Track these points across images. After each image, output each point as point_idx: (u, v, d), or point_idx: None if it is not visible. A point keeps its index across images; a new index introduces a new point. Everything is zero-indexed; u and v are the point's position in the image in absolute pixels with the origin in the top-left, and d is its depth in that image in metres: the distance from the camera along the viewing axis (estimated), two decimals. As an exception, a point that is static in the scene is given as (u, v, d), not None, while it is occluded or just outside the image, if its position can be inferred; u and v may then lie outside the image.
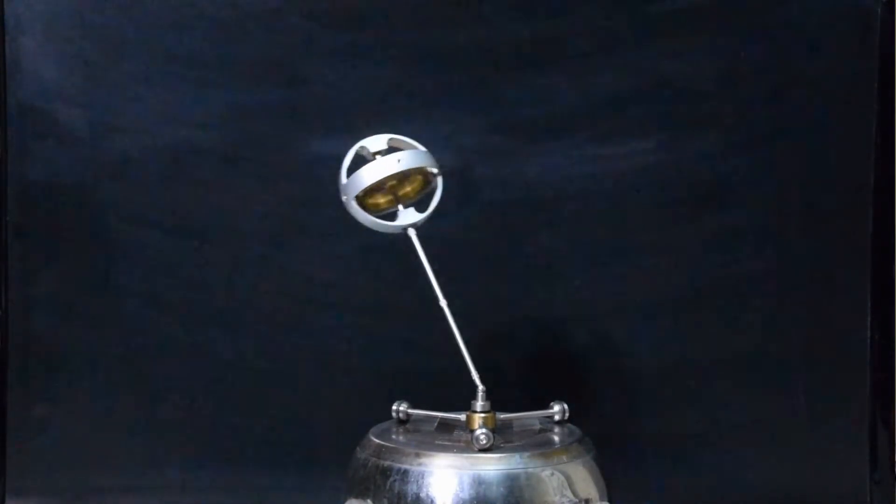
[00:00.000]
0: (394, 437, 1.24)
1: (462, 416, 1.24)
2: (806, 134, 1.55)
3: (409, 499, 1.17)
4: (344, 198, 1.26)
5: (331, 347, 1.57)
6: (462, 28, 1.54)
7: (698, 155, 1.55)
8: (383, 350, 1.57)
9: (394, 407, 1.29)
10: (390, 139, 1.28)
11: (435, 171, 1.28)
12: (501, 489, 1.16)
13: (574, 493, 1.19)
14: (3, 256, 1.54)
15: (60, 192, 1.54)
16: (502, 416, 1.24)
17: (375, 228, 1.27)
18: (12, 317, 1.55)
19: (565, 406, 1.29)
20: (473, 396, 1.24)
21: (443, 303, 1.28)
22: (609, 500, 1.22)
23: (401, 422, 1.29)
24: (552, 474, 1.18)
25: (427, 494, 1.17)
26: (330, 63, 1.54)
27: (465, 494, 1.16)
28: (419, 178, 1.29)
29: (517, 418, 1.28)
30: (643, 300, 1.56)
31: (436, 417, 1.28)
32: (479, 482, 1.16)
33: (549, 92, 1.54)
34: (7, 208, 1.54)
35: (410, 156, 1.26)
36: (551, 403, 1.29)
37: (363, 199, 1.26)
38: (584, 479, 1.20)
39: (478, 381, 1.24)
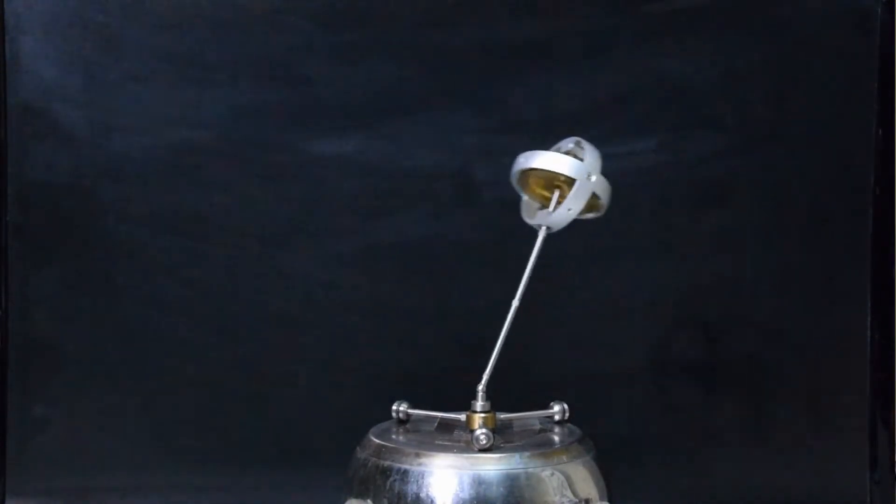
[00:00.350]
0: (394, 437, 1.24)
1: (462, 416, 1.24)
2: (806, 134, 1.55)
3: (409, 499, 1.17)
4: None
5: (331, 347, 1.57)
6: (462, 28, 1.54)
7: (698, 155, 1.55)
8: (383, 350, 1.57)
9: (394, 407, 1.29)
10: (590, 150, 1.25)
11: (603, 205, 1.26)
12: (501, 489, 1.16)
13: (574, 493, 1.19)
14: (3, 256, 1.54)
15: (60, 192, 1.54)
16: (502, 416, 1.24)
17: (523, 209, 1.27)
18: (12, 317, 1.55)
19: (565, 406, 1.29)
20: (473, 396, 1.24)
21: (515, 302, 1.27)
22: (609, 500, 1.22)
23: (401, 422, 1.29)
24: (552, 474, 1.18)
25: (427, 494, 1.17)
26: (330, 63, 1.54)
27: (465, 494, 1.16)
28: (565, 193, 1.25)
29: (517, 418, 1.28)
30: (643, 300, 1.56)
31: (436, 417, 1.28)
32: (479, 482, 1.16)
33: (549, 92, 1.54)
34: (7, 208, 1.54)
35: (602, 182, 1.24)
36: (551, 403, 1.29)
37: (531, 177, 1.24)
38: (584, 479, 1.20)
39: (480, 383, 1.24)
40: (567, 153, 1.25)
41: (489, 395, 1.24)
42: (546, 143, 1.55)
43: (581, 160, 1.24)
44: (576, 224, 1.56)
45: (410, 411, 1.29)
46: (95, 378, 1.56)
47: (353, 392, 1.56)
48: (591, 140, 1.55)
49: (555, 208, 1.26)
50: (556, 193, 1.26)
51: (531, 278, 1.26)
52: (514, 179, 1.26)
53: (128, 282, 1.55)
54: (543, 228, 1.27)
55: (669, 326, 1.57)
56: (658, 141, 1.55)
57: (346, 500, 1.21)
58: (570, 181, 1.23)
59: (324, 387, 1.57)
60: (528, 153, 1.25)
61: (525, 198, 1.28)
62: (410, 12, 1.53)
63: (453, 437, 1.24)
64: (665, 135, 1.55)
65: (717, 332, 1.57)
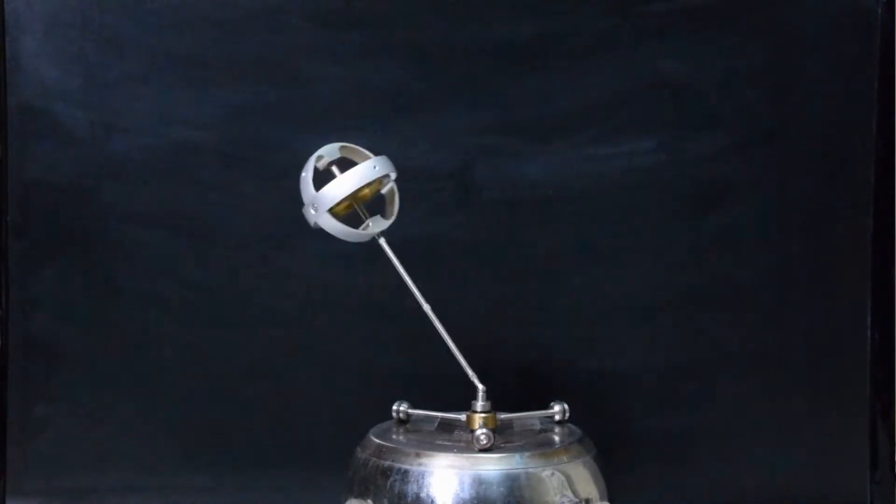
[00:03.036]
0: (394, 437, 1.24)
1: (462, 416, 1.25)
2: (806, 134, 1.55)
3: (410, 499, 1.17)
4: (313, 212, 1.26)
5: (331, 347, 1.57)
6: (462, 28, 1.54)
7: (698, 155, 1.55)
8: (383, 350, 1.57)
9: (394, 407, 1.29)
10: (342, 147, 1.29)
11: (394, 175, 1.29)
12: (501, 489, 1.16)
13: (574, 493, 1.19)
14: (3, 256, 1.54)
15: (60, 192, 1.54)
16: (502, 416, 1.24)
17: (347, 238, 1.28)
18: (12, 317, 1.55)
19: (565, 406, 1.29)
20: (474, 396, 1.24)
21: (426, 307, 1.28)
22: (609, 500, 1.22)
23: (401, 422, 1.29)
24: (552, 474, 1.18)
25: (427, 494, 1.17)
26: (330, 63, 1.54)
27: (466, 494, 1.16)
28: (377, 181, 1.29)
29: (517, 418, 1.28)
30: (643, 300, 1.56)
31: (436, 417, 1.28)
32: (479, 482, 1.16)
33: (549, 92, 1.54)
34: (7, 208, 1.54)
35: (383, 161, 1.27)
36: (551, 403, 1.29)
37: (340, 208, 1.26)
38: (584, 479, 1.20)
39: (476, 382, 1.24)
40: (329, 167, 1.28)
41: (489, 395, 1.24)
42: (546, 143, 1.56)
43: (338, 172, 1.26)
44: (576, 224, 1.56)
45: (411, 411, 1.29)
46: (95, 378, 1.56)
47: (353, 392, 1.56)
48: (591, 140, 1.56)
49: (357, 207, 1.28)
50: (355, 207, 1.28)
51: (412, 279, 1.28)
52: (329, 226, 1.27)
53: (128, 282, 1.55)
54: (381, 239, 1.29)
55: (669, 326, 1.57)
56: (658, 141, 1.55)
57: (346, 500, 1.21)
58: (361, 189, 1.26)
59: (324, 387, 1.57)
60: (326, 191, 1.25)
61: (345, 228, 1.27)
62: (410, 12, 1.53)
63: (453, 437, 1.24)
64: (665, 135, 1.55)
65: (716, 332, 1.57)
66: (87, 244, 1.55)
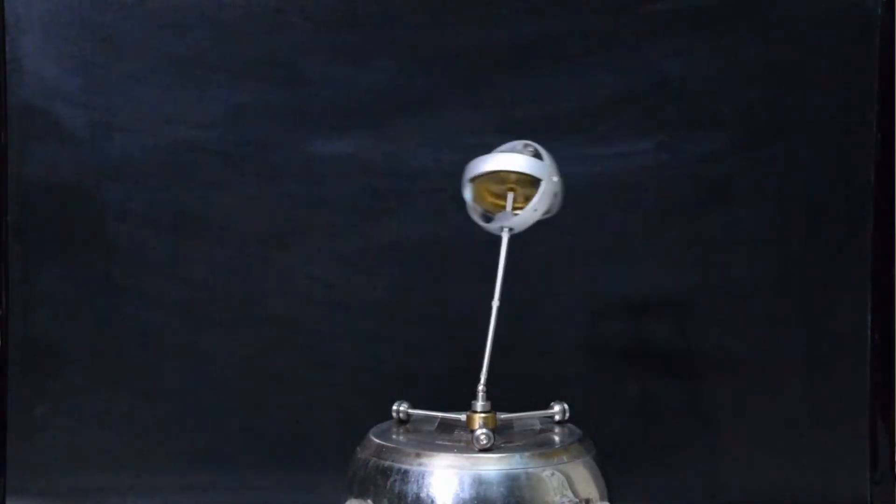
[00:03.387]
0: (394, 437, 1.24)
1: (462, 416, 1.24)
2: (806, 134, 1.55)
3: (410, 499, 1.17)
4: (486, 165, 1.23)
5: (331, 347, 1.57)
6: (462, 28, 1.54)
7: (698, 155, 1.55)
8: (383, 350, 1.57)
9: (394, 407, 1.29)
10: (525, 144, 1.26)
11: (556, 178, 1.25)
12: (502, 489, 1.16)
13: (574, 493, 1.19)
14: (3, 256, 1.54)
15: (60, 192, 1.54)
16: (502, 416, 1.24)
17: (474, 219, 1.27)
18: (12, 317, 1.55)
19: (565, 406, 1.29)
20: (473, 396, 1.24)
21: (495, 304, 1.28)
22: (609, 500, 1.22)
23: (401, 422, 1.29)
24: (552, 474, 1.18)
25: (427, 494, 1.17)
26: (330, 63, 1.54)
27: (466, 494, 1.16)
28: (527, 197, 1.26)
29: (517, 418, 1.28)
30: (643, 300, 1.56)
31: (436, 417, 1.28)
32: (479, 482, 1.16)
33: (549, 92, 1.54)
34: (7, 208, 1.54)
35: (560, 182, 1.24)
36: (551, 403, 1.29)
37: (484, 181, 1.24)
38: (584, 479, 1.20)
39: (480, 385, 1.24)
40: (524, 155, 1.24)
41: (489, 395, 1.24)
42: (546, 143, 1.56)
43: (542, 160, 1.23)
44: (576, 223, 1.56)
45: (410, 411, 1.29)
46: (95, 378, 1.56)
47: (353, 392, 1.56)
48: (591, 140, 1.56)
49: (514, 209, 1.25)
50: (511, 195, 1.26)
51: (505, 280, 1.26)
52: (465, 186, 1.25)
53: (128, 282, 1.55)
54: (506, 230, 1.27)
55: (670, 326, 1.57)
56: (658, 141, 1.55)
57: (346, 500, 1.21)
58: (526, 180, 1.23)
59: (324, 387, 1.57)
60: (481, 158, 1.24)
61: (472, 204, 1.27)
62: (410, 12, 1.53)
63: (453, 437, 1.24)
64: (665, 135, 1.55)
65: (716, 333, 1.57)
66: (87, 244, 1.55)
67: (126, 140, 1.54)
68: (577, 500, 1.18)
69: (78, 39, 1.53)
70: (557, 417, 1.28)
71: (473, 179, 1.25)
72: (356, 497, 1.20)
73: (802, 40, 1.54)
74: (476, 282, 1.56)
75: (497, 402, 1.24)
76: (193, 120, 1.54)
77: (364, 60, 1.54)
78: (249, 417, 1.57)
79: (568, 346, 1.57)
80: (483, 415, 1.23)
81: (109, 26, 1.53)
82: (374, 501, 1.19)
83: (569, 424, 1.28)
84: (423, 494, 1.17)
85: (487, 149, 1.55)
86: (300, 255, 1.56)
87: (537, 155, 1.24)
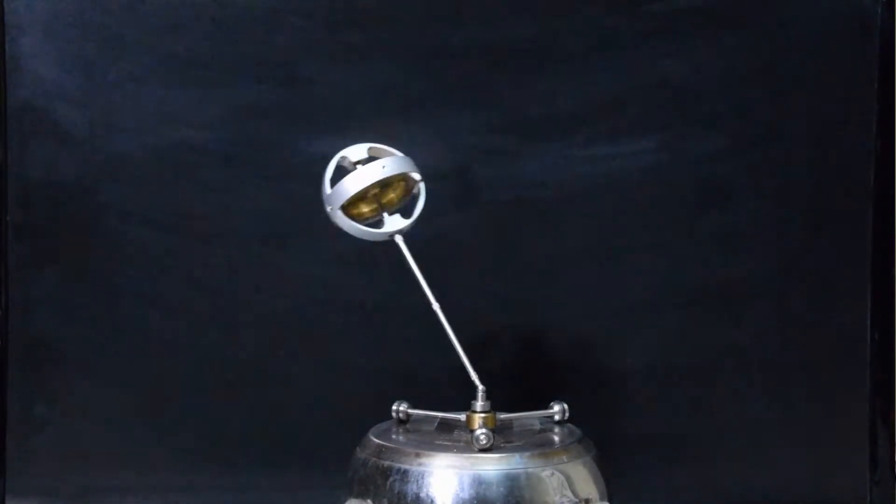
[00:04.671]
0: (394, 437, 1.24)
1: (462, 416, 1.24)
2: (806, 134, 1.55)
3: (409, 499, 1.17)
4: (329, 208, 1.27)
5: (331, 347, 1.57)
6: (462, 28, 1.54)
7: (698, 155, 1.55)
8: (383, 350, 1.57)
9: (394, 407, 1.29)
10: (370, 148, 1.29)
11: (417, 177, 1.29)
12: (501, 489, 1.16)
13: (574, 493, 1.19)
14: (3, 256, 1.54)
15: (60, 192, 1.54)
16: (502, 416, 1.24)
17: (362, 237, 1.28)
18: (12, 317, 1.55)
19: (565, 406, 1.29)
20: (473, 396, 1.24)
21: (435, 306, 1.28)
22: (609, 500, 1.22)
23: (401, 422, 1.29)
24: (552, 474, 1.18)
25: (427, 494, 1.17)
26: (330, 63, 1.54)
27: (465, 494, 1.16)
28: (402, 184, 1.30)
29: (517, 418, 1.28)
30: (643, 300, 1.56)
31: (436, 417, 1.28)
32: (479, 482, 1.16)
33: (549, 92, 1.54)
34: (7, 208, 1.54)
35: (393, 162, 1.27)
36: (551, 403, 1.29)
37: (348, 208, 1.27)
38: (584, 479, 1.20)
39: (477, 382, 1.24)
40: (355, 167, 1.27)
41: (489, 394, 1.24)
42: (546, 143, 1.56)
43: (369, 162, 1.26)
44: (575, 224, 1.56)
45: (410, 411, 1.29)
46: (95, 378, 1.56)
47: (353, 392, 1.56)
48: (591, 140, 1.56)
49: (388, 213, 1.28)
50: (375, 204, 1.29)
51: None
52: (337, 216, 1.26)
53: (128, 282, 1.55)
54: (398, 236, 1.28)
55: (669, 326, 1.57)
56: (658, 141, 1.55)
57: (346, 500, 1.21)
58: (382, 183, 1.26)
59: (324, 387, 1.57)
60: (336, 189, 1.25)
61: (358, 226, 1.27)
62: (410, 12, 1.53)
63: (453, 437, 1.24)
64: (665, 135, 1.55)
65: (716, 332, 1.57)
66: (87, 244, 1.55)
67: (126, 140, 1.54)
68: (577, 500, 1.18)
69: (78, 39, 1.53)
70: (557, 417, 1.28)
71: (344, 207, 1.26)
72: (356, 497, 1.20)
73: (802, 40, 1.54)
74: (476, 282, 1.57)
75: (497, 402, 1.24)
76: (193, 120, 1.54)
77: (364, 60, 1.54)
78: (249, 417, 1.57)
79: (568, 346, 1.57)
80: (483, 415, 1.23)
81: (109, 26, 1.53)
82: (373, 501, 1.19)
83: (569, 424, 1.28)
84: (422, 494, 1.17)
85: (487, 149, 1.55)
86: (300, 255, 1.56)
87: (368, 160, 1.27)
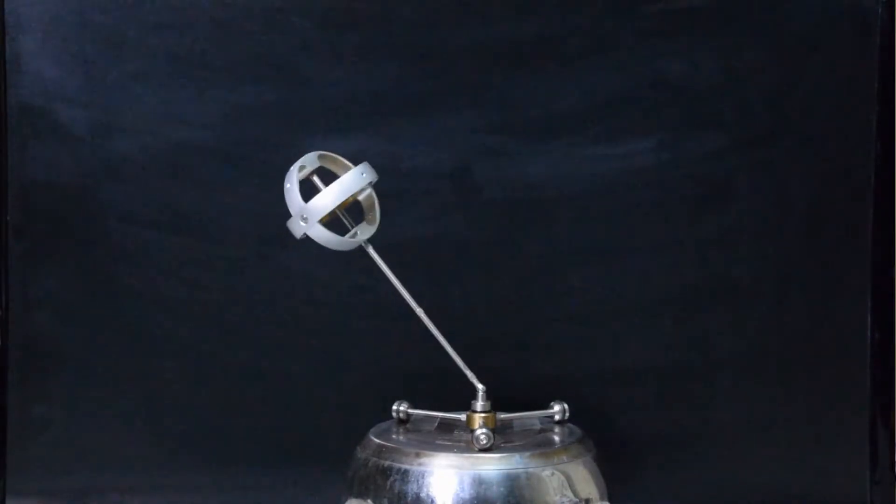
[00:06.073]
0: (394, 437, 1.24)
1: (462, 416, 1.25)
2: (806, 134, 1.55)
3: (410, 498, 1.17)
4: (303, 223, 1.26)
5: (331, 347, 1.57)
6: (462, 28, 1.54)
7: (698, 155, 1.55)
8: (383, 350, 1.57)
9: (394, 407, 1.29)
10: (320, 155, 1.29)
11: (373, 180, 1.29)
12: (501, 489, 1.16)
13: (574, 492, 1.19)
14: (3, 256, 1.54)
15: (60, 192, 1.54)
16: (502, 416, 1.24)
17: (336, 248, 1.28)
18: (12, 317, 1.55)
19: (565, 406, 1.29)
20: (473, 396, 1.24)
21: (419, 311, 1.29)
22: (609, 500, 1.22)
23: (401, 422, 1.29)
24: (552, 474, 1.18)
25: (427, 494, 1.17)
26: (330, 63, 1.54)
27: (466, 494, 1.16)
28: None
29: (517, 418, 1.28)
30: (643, 300, 1.56)
31: (436, 417, 1.28)
32: (479, 482, 1.16)
33: (549, 92, 1.54)
34: (7, 208, 1.54)
35: (368, 168, 1.27)
36: (551, 403, 1.29)
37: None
38: (584, 479, 1.21)
39: (476, 382, 1.24)
40: (312, 176, 1.29)
41: (489, 394, 1.24)
42: (546, 143, 1.56)
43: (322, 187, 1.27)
44: (576, 224, 1.56)
45: (410, 411, 1.29)
46: (95, 378, 1.56)
47: (353, 392, 1.56)
48: (591, 140, 1.56)
49: (340, 213, 1.28)
50: (339, 215, 1.29)
51: (406, 281, 1.29)
52: (322, 237, 1.27)
53: (128, 282, 1.55)
54: (366, 244, 1.30)
55: (669, 326, 1.57)
56: (658, 141, 1.55)
57: (346, 500, 1.21)
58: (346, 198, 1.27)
59: (324, 387, 1.57)
60: (316, 202, 1.26)
61: (335, 238, 1.28)
62: (410, 12, 1.54)
63: (453, 437, 1.24)
64: (665, 135, 1.55)
65: (716, 332, 1.57)
66: (87, 244, 1.55)
67: (126, 140, 1.54)
68: (577, 499, 1.18)
69: (78, 39, 1.53)
70: (557, 417, 1.28)
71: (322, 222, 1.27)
72: (356, 497, 1.21)
73: (802, 40, 1.54)
74: (476, 281, 1.57)
75: (497, 402, 1.24)
76: (193, 120, 1.54)
77: (364, 60, 1.54)
78: (249, 417, 1.57)
79: (568, 346, 1.57)
80: (483, 415, 1.23)
81: (109, 26, 1.53)
82: (374, 501, 1.19)
83: (569, 424, 1.29)
84: (423, 494, 1.17)
85: (487, 149, 1.55)
86: (300, 255, 1.56)
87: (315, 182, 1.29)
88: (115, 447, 1.57)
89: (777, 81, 1.55)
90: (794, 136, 1.55)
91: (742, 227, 1.56)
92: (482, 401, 1.23)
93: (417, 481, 1.17)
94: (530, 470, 1.18)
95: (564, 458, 1.20)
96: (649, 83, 1.54)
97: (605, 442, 1.27)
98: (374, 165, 1.55)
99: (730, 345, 1.57)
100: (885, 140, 1.54)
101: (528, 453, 1.19)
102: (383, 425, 1.29)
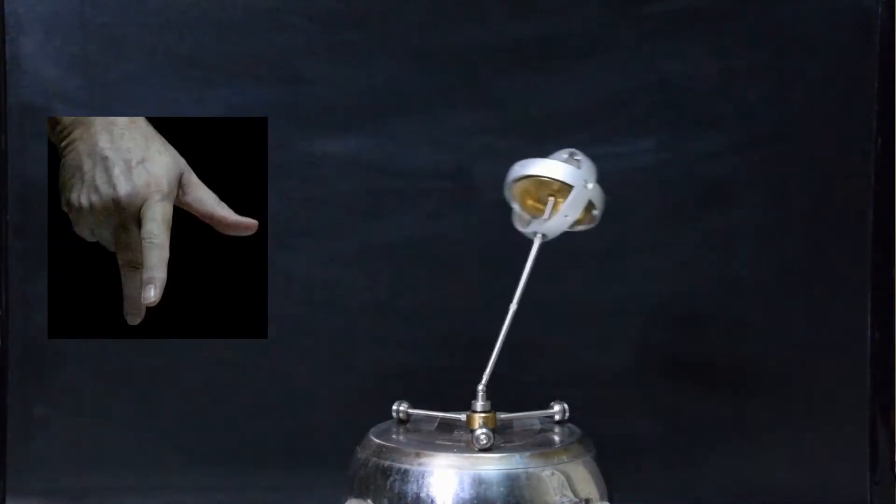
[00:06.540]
0: (394, 436, 1.24)
1: (462, 416, 1.24)
2: (806, 134, 1.55)
3: (410, 499, 1.17)
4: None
5: (331, 347, 1.57)
6: (462, 28, 1.54)
7: (698, 155, 1.55)
8: (383, 350, 1.57)
9: (394, 407, 1.29)
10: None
11: (597, 216, 1.27)
12: (501, 489, 1.16)
13: (574, 492, 1.19)
14: (3, 256, 1.54)
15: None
16: (502, 415, 1.24)
17: (515, 219, 1.27)
18: (12, 317, 1.55)
19: (565, 406, 1.29)
20: (473, 396, 1.24)
21: (513, 306, 1.28)
22: (609, 500, 1.22)
23: (401, 422, 1.29)
24: (552, 474, 1.18)
25: (427, 494, 1.17)
26: (330, 63, 1.54)
27: (466, 494, 1.16)
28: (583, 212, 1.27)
29: (517, 418, 1.28)
30: (643, 300, 1.56)
31: (436, 417, 1.28)
32: (479, 482, 1.16)
33: (549, 92, 1.54)
34: (7, 208, 1.54)
35: (597, 190, 1.25)
36: (551, 403, 1.29)
37: (525, 185, 1.25)
38: (584, 479, 1.20)
39: (481, 385, 1.24)
40: (563, 162, 1.25)
41: (489, 394, 1.24)
42: (546, 143, 1.55)
43: (578, 168, 1.24)
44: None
45: (410, 411, 1.29)
46: (95, 378, 1.56)
47: (353, 392, 1.56)
48: (591, 140, 1.56)
49: (550, 215, 1.26)
50: (551, 201, 1.27)
51: (528, 284, 1.25)
52: (507, 188, 1.26)
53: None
54: (539, 235, 1.27)
55: (669, 326, 1.57)
56: (658, 141, 1.55)
57: (346, 500, 1.21)
58: (567, 188, 1.24)
59: (324, 387, 1.57)
60: (524, 161, 1.26)
61: (516, 207, 1.28)
62: (410, 12, 1.53)
63: (453, 437, 1.24)
64: (665, 135, 1.55)
65: (716, 332, 1.57)
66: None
67: (126, 140, 1.54)
68: (577, 500, 1.18)
69: (78, 39, 1.53)
70: (557, 417, 1.28)
71: (516, 181, 1.26)
72: (356, 497, 1.20)
73: (802, 40, 1.54)
74: (476, 281, 1.56)
75: (497, 402, 1.24)
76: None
77: (364, 60, 1.54)
78: (250, 417, 1.57)
79: (568, 346, 1.57)
80: (483, 415, 1.23)
81: (109, 26, 1.53)
82: (374, 501, 1.19)
83: (569, 424, 1.28)
84: (422, 494, 1.17)
85: (487, 149, 1.55)
86: (300, 255, 1.56)
87: (573, 163, 1.25)
88: (115, 447, 1.57)
89: (777, 81, 1.55)
90: (794, 136, 1.55)
91: (742, 226, 1.56)
92: (482, 401, 1.23)
93: (417, 481, 1.17)
94: (530, 470, 1.18)
95: (564, 458, 1.20)
96: (649, 83, 1.54)
97: (605, 442, 1.27)
98: (374, 165, 1.56)
99: (729, 344, 1.57)
100: (885, 140, 1.54)
101: (528, 453, 1.19)
102: (383, 425, 1.29)
